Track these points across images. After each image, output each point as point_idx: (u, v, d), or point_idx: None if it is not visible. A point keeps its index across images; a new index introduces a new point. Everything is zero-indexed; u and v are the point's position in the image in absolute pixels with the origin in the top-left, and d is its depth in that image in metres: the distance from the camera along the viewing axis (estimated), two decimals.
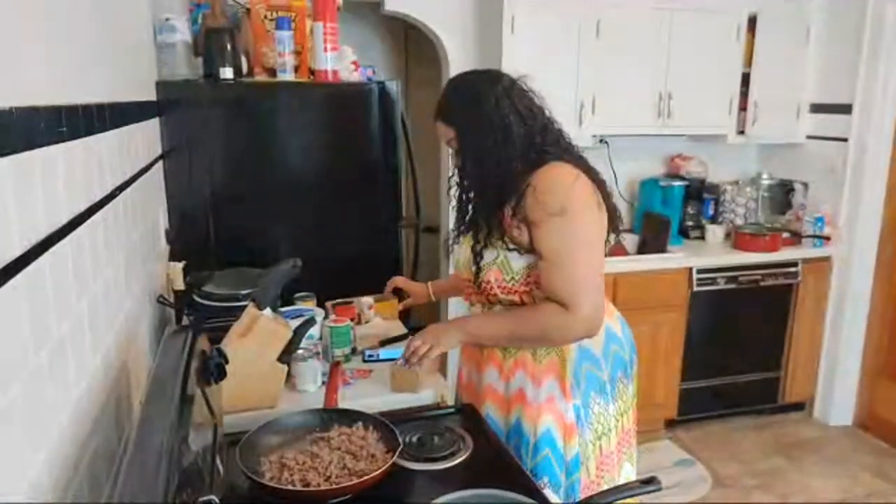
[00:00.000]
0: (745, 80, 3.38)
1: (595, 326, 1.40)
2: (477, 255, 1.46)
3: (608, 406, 1.50)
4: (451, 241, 1.62)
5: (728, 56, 3.31)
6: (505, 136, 1.39)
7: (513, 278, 1.43)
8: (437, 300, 1.98)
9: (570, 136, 1.51)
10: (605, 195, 1.45)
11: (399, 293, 2.04)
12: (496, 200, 1.41)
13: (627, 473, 1.58)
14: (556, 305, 1.36)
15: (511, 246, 1.41)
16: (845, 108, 3.29)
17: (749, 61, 3.36)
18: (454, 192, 1.58)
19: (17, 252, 0.72)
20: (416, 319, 2.50)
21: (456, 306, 3.23)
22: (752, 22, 3.32)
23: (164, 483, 0.74)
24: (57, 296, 0.84)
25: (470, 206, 1.59)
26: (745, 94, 3.40)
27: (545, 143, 1.42)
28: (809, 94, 3.48)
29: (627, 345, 1.57)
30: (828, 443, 3.32)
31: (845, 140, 3.30)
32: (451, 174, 1.58)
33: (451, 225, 1.64)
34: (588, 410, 1.47)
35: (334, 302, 2.01)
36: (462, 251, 1.55)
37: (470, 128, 1.42)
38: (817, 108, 3.47)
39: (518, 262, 1.42)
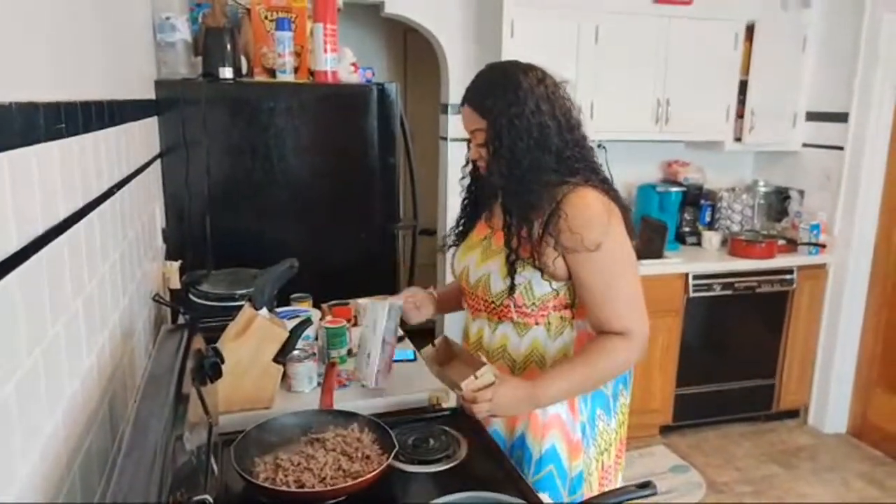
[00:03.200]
0: (743, 87, 3.40)
1: (647, 345, 1.37)
2: (511, 268, 1.34)
3: (611, 422, 1.46)
4: (447, 243, 1.57)
5: (726, 64, 3.33)
6: (540, 141, 1.30)
7: (533, 304, 1.37)
8: (440, 310, 1.65)
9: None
10: (628, 220, 1.39)
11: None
12: (523, 210, 1.32)
13: (618, 484, 1.56)
14: (616, 339, 1.32)
15: (535, 268, 1.34)
16: (841, 117, 3.30)
17: (746, 69, 3.38)
18: (466, 181, 1.53)
19: (14, 248, 0.71)
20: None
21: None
22: (750, 30, 3.34)
23: (158, 482, 0.74)
24: (52, 293, 0.83)
25: (467, 208, 1.57)
26: (742, 102, 3.41)
27: (577, 158, 1.34)
28: (806, 103, 3.50)
29: None
30: (822, 450, 3.32)
31: (841, 148, 3.31)
32: (465, 164, 1.51)
33: (450, 223, 1.59)
34: (594, 428, 1.43)
35: (331, 303, 2.00)
36: (471, 263, 1.46)
37: (504, 123, 1.30)
38: (813, 117, 3.49)
39: (541, 289, 1.35)
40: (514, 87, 1.31)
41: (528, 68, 1.36)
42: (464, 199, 1.57)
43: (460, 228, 1.56)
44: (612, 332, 1.33)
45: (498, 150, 1.32)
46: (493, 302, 1.41)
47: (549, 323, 1.40)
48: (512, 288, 1.35)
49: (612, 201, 1.34)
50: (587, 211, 1.29)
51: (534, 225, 1.32)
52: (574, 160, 1.34)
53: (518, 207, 1.33)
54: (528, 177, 1.31)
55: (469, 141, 1.43)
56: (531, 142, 1.30)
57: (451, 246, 1.57)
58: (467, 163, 1.50)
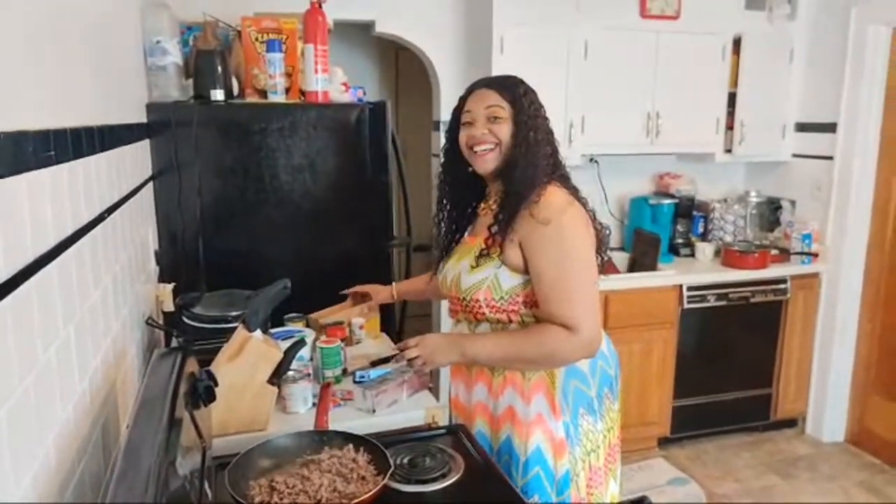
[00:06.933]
0: (732, 99, 3.43)
1: (596, 348, 1.41)
2: (479, 258, 1.45)
3: (596, 423, 1.50)
4: (440, 252, 1.60)
5: (714, 76, 3.36)
6: (547, 139, 1.47)
7: (502, 297, 1.44)
8: (400, 300, 2.14)
9: (561, 155, 1.55)
10: (594, 221, 1.49)
11: (365, 298, 2.08)
12: (518, 205, 1.42)
13: (612, 491, 1.57)
14: (560, 328, 1.36)
15: (500, 262, 1.42)
16: (830, 127, 3.33)
17: (735, 81, 3.41)
18: (437, 196, 1.60)
19: (4, 277, 0.71)
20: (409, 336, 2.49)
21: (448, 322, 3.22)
22: (737, 44, 3.38)
23: None
24: (44, 320, 0.83)
25: (449, 220, 1.60)
26: (731, 114, 3.44)
27: (558, 164, 1.50)
28: (794, 114, 3.53)
29: (613, 361, 1.57)
30: (821, 459, 3.32)
31: (830, 158, 3.34)
32: (439, 172, 1.60)
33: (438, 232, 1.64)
34: (577, 427, 1.47)
35: (324, 321, 2.00)
36: (449, 267, 1.54)
37: (530, 115, 1.45)
38: (802, 127, 3.52)
39: (508, 282, 1.43)
40: (532, 93, 1.50)
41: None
42: (443, 217, 1.60)
43: (446, 243, 1.60)
44: (557, 323, 1.38)
45: (520, 138, 1.44)
46: (464, 299, 1.48)
47: (522, 321, 1.45)
48: (477, 268, 1.45)
49: (575, 200, 1.45)
50: (548, 198, 1.41)
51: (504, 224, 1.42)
52: (553, 167, 1.48)
53: (512, 200, 1.42)
54: (535, 164, 1.43)
55: (450, 135, 1.53)
56: (546, 136, 1.47)
57: (439, 261, 1.61)
58: (443, 179, 1.58)
